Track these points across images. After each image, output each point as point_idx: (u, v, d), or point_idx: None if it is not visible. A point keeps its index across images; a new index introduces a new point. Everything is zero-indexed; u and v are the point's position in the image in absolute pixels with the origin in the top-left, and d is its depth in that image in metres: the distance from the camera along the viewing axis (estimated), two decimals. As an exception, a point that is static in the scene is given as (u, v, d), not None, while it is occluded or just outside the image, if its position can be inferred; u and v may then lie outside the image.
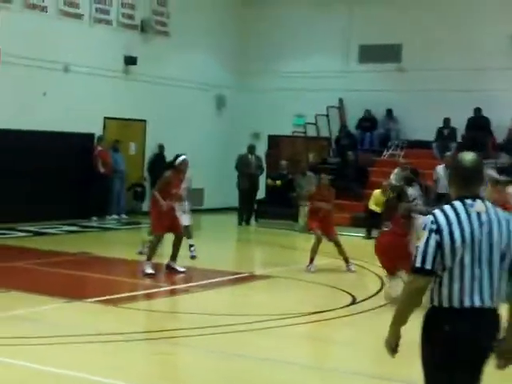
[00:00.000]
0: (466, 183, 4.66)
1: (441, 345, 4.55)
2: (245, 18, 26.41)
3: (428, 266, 4.51)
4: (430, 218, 4.58)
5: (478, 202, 4.62)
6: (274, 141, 25.89)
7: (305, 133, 24.99)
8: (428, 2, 23.88)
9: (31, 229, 18.63)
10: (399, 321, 4.64)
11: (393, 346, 4.67)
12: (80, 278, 13.52)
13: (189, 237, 15.16)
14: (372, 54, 24.82)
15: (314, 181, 17.95)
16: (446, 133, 23.09)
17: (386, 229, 12.25)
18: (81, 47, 21.40)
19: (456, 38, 23.29)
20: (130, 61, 22.95)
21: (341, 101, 25.14)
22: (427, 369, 4.66)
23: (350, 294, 12.33)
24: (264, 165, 23.69)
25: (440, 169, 19.92)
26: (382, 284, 12.88)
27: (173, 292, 12.79)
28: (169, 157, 23.55)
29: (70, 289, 12.41)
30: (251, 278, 14.25)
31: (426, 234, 4.53)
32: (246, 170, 22.88)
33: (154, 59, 23.51)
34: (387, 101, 24.17)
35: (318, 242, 14.45)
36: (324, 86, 24.57)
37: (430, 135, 23.04)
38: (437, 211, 4.60)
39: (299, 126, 25.32)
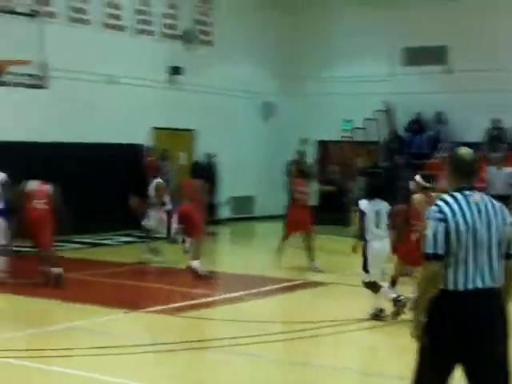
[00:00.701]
0: (465, 176, 5.08)
1: (446, 325, 4.91)
2: (289, 24, 26.33)
3: (440, 251, 4.90)
4: (435, 208, 4.97)
5: (475, 192, 5.06)
6: (323, 146, 25.74)
7: (353, 137, 24.78)
8: (471, 2, 23.60)
9: (87, 240, 18.69)
10: (420, 307, 4.97)
11: (419, 333, 5.00)
12: (136, 288, 13.58)
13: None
14: (417, 56, 24.62)
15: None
16: (494, 134, 22.78)
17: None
18: (125, 59, 21.45)
19: (503, 37, 22.98)
20: (175, 71, 22.97)
21: (388, 104, 24.89)
22: (428, 349, 4.99)
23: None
24: (314, 170, 23.50)
25: (489, 170, 19.68)
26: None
27: (227, 300, 12.67)
28: (218, 165, 23.62)
29: (126, 299, 12.39)
30: (305, 284, 14.10)
31: (433, 223, 4.92)
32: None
33: (198, 69, 23.49)
34: (435, 103, 23.92)
35: None
36: (371, 90, 24.41)
37: (479, 136, 22.72)
38: (440, 202, 4.99)
39: (347, 131, 25.14)
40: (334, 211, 22.08)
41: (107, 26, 21.36)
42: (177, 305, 11.85)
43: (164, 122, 22.62)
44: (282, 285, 13.93)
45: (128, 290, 13.32)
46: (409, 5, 24.39)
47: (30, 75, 14.64)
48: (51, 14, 19.46)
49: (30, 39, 14.25)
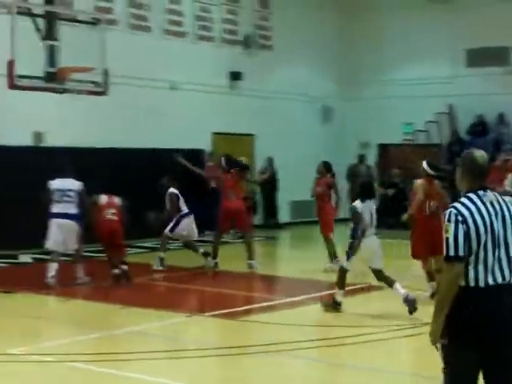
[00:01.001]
0: (478, 177, 5.20)
1: (469, 321, 5.01)
2: (348, 27, 26.29)
3: (461, 253, 5.01)
4: (453, 211, 5.06)
5: (489, 192, 5.18)
6: (384, 149, 25.58)
7: (414, 140, 24.59)
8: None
9: (147, 245, 18.82)
10: (442, 309, 5.05)
11: (437, 335, 5.08)
12: (198, 292, 13.65)
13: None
14: (479, 57, 24.35)
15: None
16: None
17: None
18: (186, 65, 21.64)
19: None
20: (236, 76, 23.07)
21: (450, 107, 24.67)
22: (452, 345, 5.07)
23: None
24: (374, 174, 23.41)
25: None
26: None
27: (288, 304, 12.65)
28: (278, 169, 23.64)
29: (188, 303, 12.48)
30: (367, 288, 13.98)
31: (453, 225, 5.02)
32: (356, 180, 22.59)
33: (258, 73, 23.57)
34: (498, 104, 23.66)
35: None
36: (432, 93, 24.23)
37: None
38: (457, 204, 5.10)
39: (408, 134, 24.95)
40: (395, 214, 21.90)
41: (168, 32, 21.56)
42: (238, 309, 11.91)
43: (224, 126, 22.74)
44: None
45: (190, 294, 13.41)
46: (469, 6, 24.15)
47: (93, 82, 14.81)
48: (112, 22, 19.70)
49: (91, 47, 14.41)
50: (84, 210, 13.84)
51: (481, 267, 5.06)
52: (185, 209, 15.72)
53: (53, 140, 18.52)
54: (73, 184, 13.72)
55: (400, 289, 11.22)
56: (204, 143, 22.11)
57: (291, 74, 24.63)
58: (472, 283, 5.06)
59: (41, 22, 14.36)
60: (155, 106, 20.76)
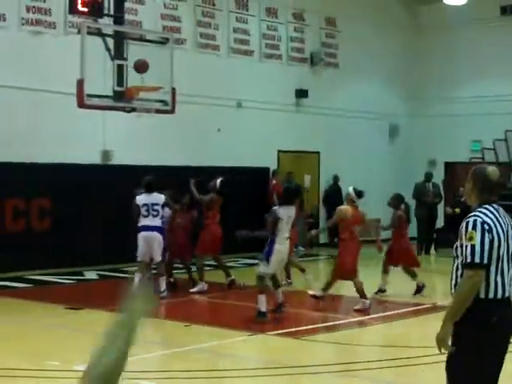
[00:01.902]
0: (492, 192, 5.29)
1: (490, 331, 5.05)
2: (415, 45, 26.15)
3: (485, 261, 5.06)
4: (479, 219, 5.10)
5: (500, 207, 5.29)
6: (451, 168, 25.32)
7: (483, 158, 24.28)
8: None
9: (211, 262, 18.85)
10: (456, 315, 5.08)
11: (447, 341, 5.12)
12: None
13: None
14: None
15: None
16: None
17: None
18: (252, 83, 21.75)
19: None
20: (302, 94, 23.12)
21: (519, 123, 24.34)
22: (470, 357, 5.10)
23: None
24: (442, 192, 23.16)
25: None
26: None
27: (353, 324, 12.60)
28: (344, 187, 23.56)
29: (251, 321, 12.46)
30: (433, 308, 13.85)
31: (479, 233, 5.05)
32: (423, 199, 22.37)
33: (324, 91, 23.58)
34: None
35: None
36: (501, 110, 23.91)
37: None
38: (480, 214, 5.15)
39: (476, 152, 24.67)
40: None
41: (235, 51, 21.70)
42: (300, 328, 11.86)
43: (290, 144, 22.78)
44: (410, 309, 13.75)
45: (252, 313, 13.38)
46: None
47: (160, 101, 14.98)
48: (180, 41, 19.92)
49: (159, 66, 14.60)
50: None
51: (498, 278, 5.14)
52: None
53: (120, 158, 18.76)
54: (158, 198, 14.14)
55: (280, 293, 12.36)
56: (270, 161, 22.17)
57: (357, 91, 24.57)
58: (491, 295, 5.14)
59: (110, 41, 14.58)
60: (223, 123, 20.91)
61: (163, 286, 13.98)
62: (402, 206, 15.62)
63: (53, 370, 8.98)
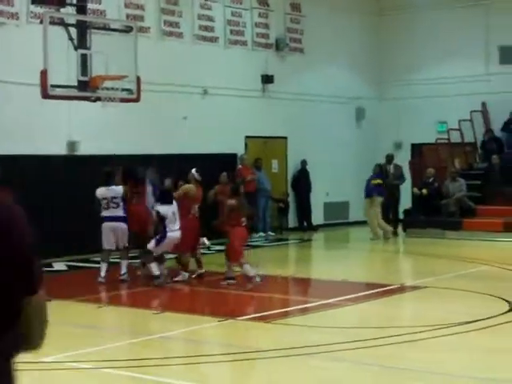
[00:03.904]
0: None
1: None
2: (380, 28, 26.28)
3: None
4: None
5: None
6: (417, 149, 25.49)
7: (449, 139, 24.46)
8: None
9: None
10: None
11: None
12: (230, 297, 13.66)
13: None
14: (512, 55, 24.18)
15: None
16: None
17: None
18: (218, 69, 21.72)
19: None
20: (267, 79, 23.13)
21: (484, 104, 24.50)
22: None
23: (507, 301, 11.89)
24: (407, 174, 23.29)
25: None
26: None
27: (323, 306, 12.67)
28: (311, 171, 23.68)
29: (220, 308, 12.51)
30: (401, 289, 14.00)
31: None
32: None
33: (290, 76, 23.62)
34: (533, 101, 23.46)
35: None
36: (465, 91, 24.10)
37: None
38: None
39: (442, 133, 24.84)
40: (429, 214, 21.89)
41: (200, 38, 21.63)
42: (272, 312, 11.93)
43: (257, 130, 22.81)
44: (378, 290, 13.85)
45: (221, 299, 13.43)
46: (502, 3, 24.00)
47: (125, 90, 14.93)
48: (144, 29, 19.84)
49: (123, 54, 14.56)
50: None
51: None
52: None
53: (86, 149, 18.65)
54: (117, 191, 14.45)
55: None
56: (238, 147, 22.19)
57: (323, 75, 24.62)
58: None
59: (73, 31, 14.51)
60: (188, 111, 20.87)
61: (124, 270, 14.46)
62: None
63: (22, 361, 8.94)
